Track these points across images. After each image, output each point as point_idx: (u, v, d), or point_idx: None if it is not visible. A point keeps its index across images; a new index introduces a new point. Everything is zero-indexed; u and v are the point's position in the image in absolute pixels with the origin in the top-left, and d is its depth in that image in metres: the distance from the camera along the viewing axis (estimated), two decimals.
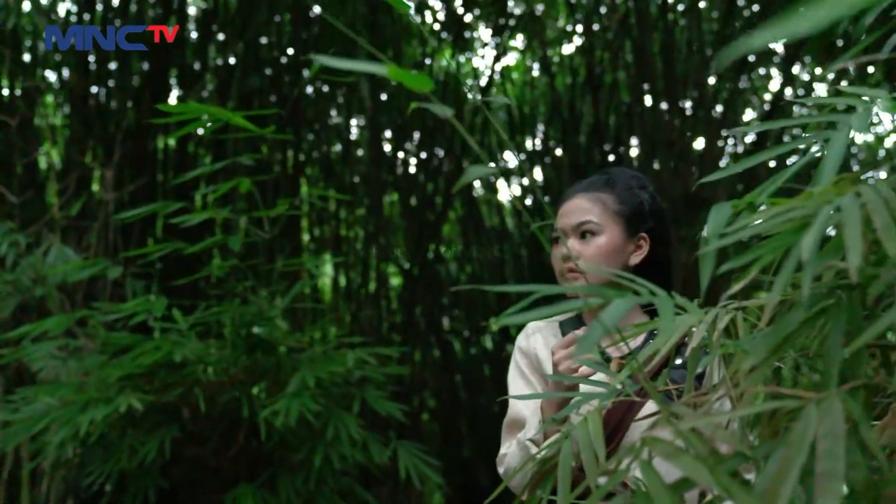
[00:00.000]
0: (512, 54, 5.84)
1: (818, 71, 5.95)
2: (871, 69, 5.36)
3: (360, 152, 5.96)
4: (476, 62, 5.79)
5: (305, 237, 5.23)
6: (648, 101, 4.66)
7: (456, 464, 5.56)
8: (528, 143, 5.77)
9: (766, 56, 5.60)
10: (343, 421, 2.42)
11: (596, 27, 5.05)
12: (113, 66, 4.48)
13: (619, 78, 5.22)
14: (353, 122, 5.84)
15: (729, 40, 4.71)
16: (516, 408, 1.54)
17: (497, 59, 5.25)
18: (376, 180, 5.47)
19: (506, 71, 5.61)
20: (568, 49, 5.55)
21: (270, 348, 2.51)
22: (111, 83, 4.48)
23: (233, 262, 2.53)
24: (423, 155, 5.59)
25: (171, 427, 2.46)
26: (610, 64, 5.16)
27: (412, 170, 5.69)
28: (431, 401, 5.51)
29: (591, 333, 0.46)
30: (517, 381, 1.57)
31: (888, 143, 5.70)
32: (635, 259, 1.49)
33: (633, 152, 5.36)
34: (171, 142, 4.59)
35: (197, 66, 4.85)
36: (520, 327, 1.65)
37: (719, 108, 4.91)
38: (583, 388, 1.38)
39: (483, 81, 5.48)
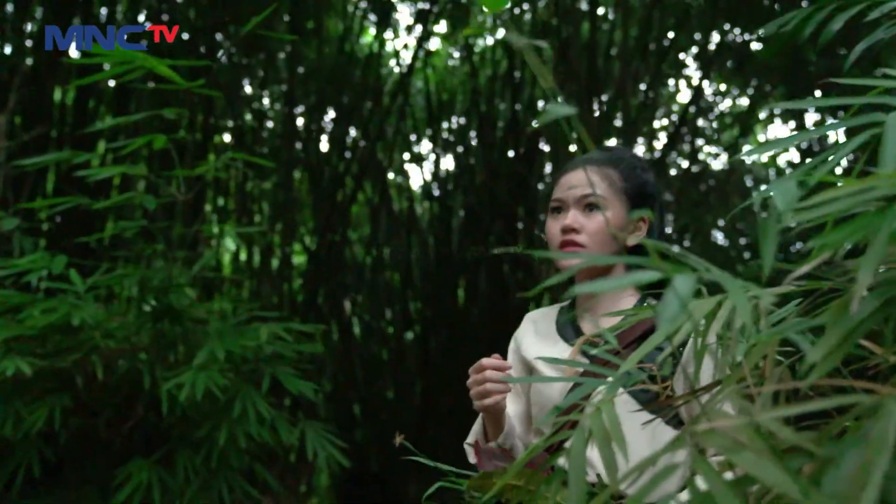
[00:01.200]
0: (435, 40, 5.79)
1: (723, 87, 6.21)
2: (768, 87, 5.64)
3: (270, 125, 5.78)
4: (398, 44, 5.71)
5: (208, 207, 5.02)
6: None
7: (347, 448, 5.50)
8: (444, 133, 5.75)
9: (678, 68, 5.79)
10: (251, 398, 2.32)
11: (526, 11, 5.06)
12: (10, 7, 4.15)
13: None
14: (266, 93, 5.65)
15: (648, 47, 4.84)
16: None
17: (420, 43, 5.19)
18: (287, 155, 5.31)
19: (428, 57, 5.56)
20: (490, 41, 5.56)
21: (178, 317, 2.37)
22: (6, 26, 4.14)
23: (141, 221, 2.36)
24: (337, 133, 5.47)
25: (63, 395, 2.28)
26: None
27: (324, 148, 5.57)
28: (328, 384, 5.41)
29: (668, 306, 0.42)
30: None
31: None
32: (633, 240, 1.43)
33: (546, 149, 5.44)
34: (70, 94, 4.29)
35: (103, 17, 4.56)
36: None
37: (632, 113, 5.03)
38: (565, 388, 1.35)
39: (405, 64, 5.41)
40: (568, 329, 1.45)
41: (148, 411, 2.44)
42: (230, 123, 5.27)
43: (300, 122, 5.49)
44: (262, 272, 5.37)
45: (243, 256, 5.46)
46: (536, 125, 5.01)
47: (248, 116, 5.56)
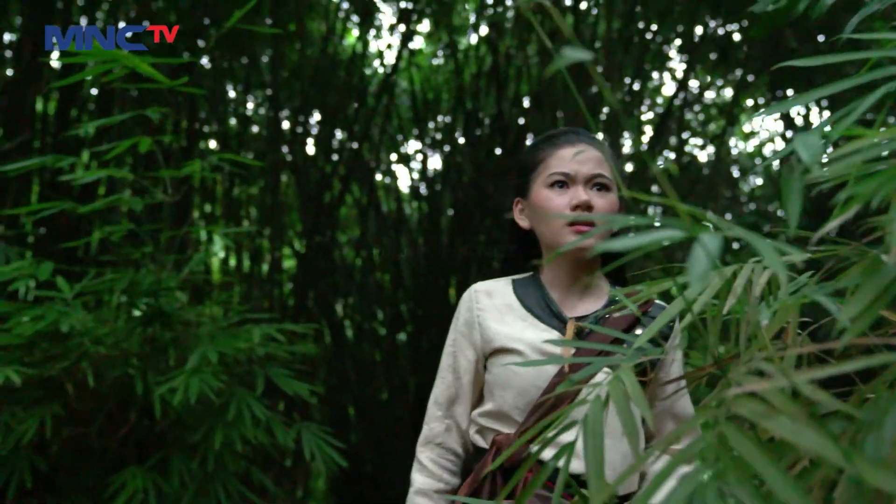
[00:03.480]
0: (419, 39, 5.77)
1: (707, 79, 6.23)
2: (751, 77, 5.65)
3: (255, 129, 5.75)
4: (382, 45, 5.69)
5: (195, 213, 4.98)
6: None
7: (342, 450, 5.45)
8: (430, 132, 5.73)
9: (661, 62, 5.80)
10: (246, 400, 2.29)
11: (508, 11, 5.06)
12: None
13: (523, 71, 5.26)
14: (251, 97, 5.61)
15: (631, 39, 4.84)
16: (436, 388, 1.44)
17: (404, 43, 5.17)
18: (273, 159, 5.28)
19: (412, 56, 5.54)
20: (474, 39, 5.54)
21: (168, 321, 2.34)
22: None
23: (129, 225, 2.33)
24: (323, 136, 5.44)
25: (53, 404, 2.24)
26: (515, 56, 5.19)
27: (310, 150, 5.53)
28: (320, 386, 5.37)
29: (696, 264, 0.40)
30: (446, 351, 1.45)
31: None
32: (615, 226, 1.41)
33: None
34: (53, 102, 4.25)
35: (83, 25, 4.51)
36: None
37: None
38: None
39: (389, 64, 5.38)
40: (541, 308, 1.36)
41: (141, 417, 2.41)
42: (215, 129, 5.24)
43: (285, 125, 5.46)
44: (252, 277, 5.33)
45: (233, 262, 5.41)
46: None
47: (233, 121, 5.52)
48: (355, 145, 5.36)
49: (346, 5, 5.32)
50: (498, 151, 5.27)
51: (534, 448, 1.26)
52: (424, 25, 5.64)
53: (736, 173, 6.74)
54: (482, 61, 5.32)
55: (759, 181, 6.78)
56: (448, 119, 5.70)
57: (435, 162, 5.70)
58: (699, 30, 5.19)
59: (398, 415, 5.27)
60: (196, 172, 2.21)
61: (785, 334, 0.53)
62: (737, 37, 5.24)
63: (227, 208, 5.26)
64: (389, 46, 5.57)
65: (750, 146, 7.01)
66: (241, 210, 5.53)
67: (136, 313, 2.39)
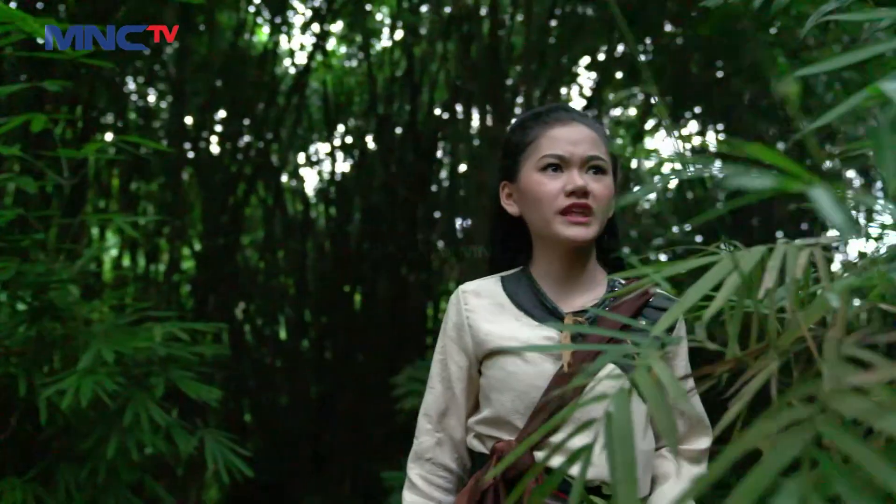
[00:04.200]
0: (333, 40, 5.66)
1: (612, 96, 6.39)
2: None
3: (157, 123, 5.48)
4: (294, 44, 5.54)
5: (89, 209, 4.68)
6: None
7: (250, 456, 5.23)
8: (341, 134, 5.62)
9: (570, 77, 5.90)
10: (145, 405, 2.12)
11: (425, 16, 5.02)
12: None
13: (438, 78, 5.24)
14: (152, 89, 5.35)
15: (544, 52, 4.89)
16: (426, 399, 1.33)
17: (317, 43, 5.05)
18: (175, 154, 5.03)
19: (325, 57, 5.43)
20: (389, 43, 5.48)
21: (60, 316, 2.15)
22: None
23: (17, 210, 2.13)
24: (229, 133, 5.24)
25: None
26: (430, 62, 5.16)
27: (215, 148, 5.32)
28: (217, 392, 5.14)
29: (830, 212, 0.34)
30: (435, 359, 1.33)
31: None
32: (611, 212, 1.29)
33: (446, 149, 5.41)
34: None
35: None
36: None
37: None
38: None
39: (301, 63, 5.24)
40: (534, 305, 1.27)
41: (23, 422, 2.20)
42: (112, 121, 4.96)
43: (189, 120, 5.23)
44: (147, 278, 5.06)
45: (126, 261, 5.12)
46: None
47: (133, 115, 5.25)
48: (262, 145, 5.19)
49: (257, 0, 5.15)
50: (410, 158, 5.22)
51: (539, 454, 1.17)
52: (338, 26, 5.53)
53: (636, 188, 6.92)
54: (396, 65, 5.26)
55: (653, 196, 6.98)
56: (360, 123, 5.61)
57: (345, 166, 5.60)
58: (607, 48, 5.31)
59: (299, 424, 5.11)
60: (94, 154, 2.04)
61: (834, 319, 0.47)
62: (642, 58, 5.39)
63: (123, 204, 4.98)
64: (302, 47, 5.43)
65: (651, 164, 7.22)
66: (139, 207, 5.24)
67: (21, 307, 2.19)
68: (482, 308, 1.28)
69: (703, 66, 5.03)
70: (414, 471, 1.30)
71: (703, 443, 1.26)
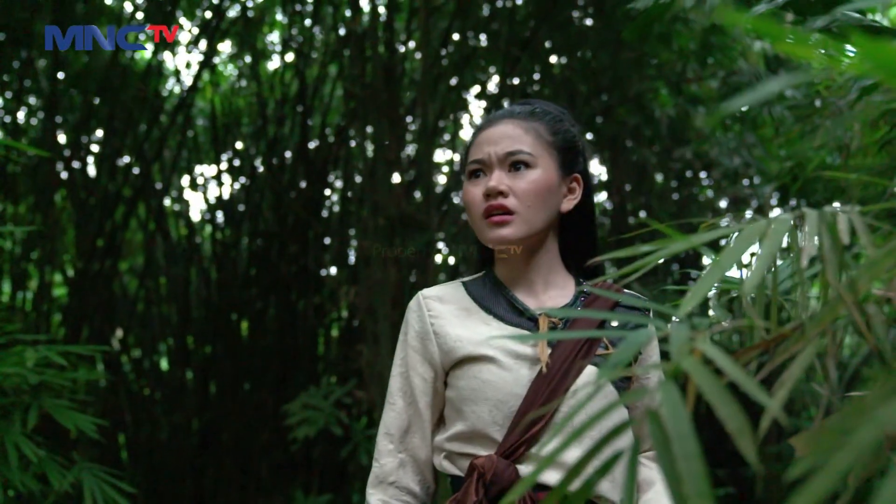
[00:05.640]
0: (220, 59, 5.50)
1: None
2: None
3: (26, 141, 5.13)
4: (180, 62, 5.35)
5: None
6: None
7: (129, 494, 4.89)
8: (229, 156, 5.44)
9: (461, 106, 5.97)
10: (13, 437, 1.93)
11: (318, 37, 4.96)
12: None
13: (332, 99, 5.18)
14: (23, 106, 5.02)
15: (439, 78, 4.93)
16: (385, 417, 1.24)
17: (204, 62, 4.88)
18: (46, 175, 4.72)
19: (212, 75, 5.26)
20: (278, 64, 5.37)
21: None
22: None
23: None
24: (107, 153, 4.96)
25: None
26: (323, 84, 5.10)
27: (91, 169, 5.02)
28: (95, 422, 4.80)
29: None
30: (394, 373, 1.25)
31: None
32: (568, 205, 1.25)
33: (338, 173, 5.33)
34: None
35: None
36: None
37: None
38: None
39: (186, 82, 5.05)
40: (503, 308, 1.22)
41: None
42: None
43: (62, 138, 4.93)
44: (13, 306, 4.69)
45: None
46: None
47: None
48: (143, 166, 4.95)
49: (140, 15, 4.94)
50: (302, 183, 5.11)
51: (523, 468, 1.10)
52: (226, 45, 5.39)
53: None
54: (287, 88, 5.16)
55: None
56: (249, 144, 5.45)
57: (233, 188, 5.41)
58: (497, 79, 5.41)
59: (180, 459, 4.84)
60: None
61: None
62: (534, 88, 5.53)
63: None
64: (189, 65, 5.24)
65: None
66: (5, 229, 4.87)
67: None
68: (448, 313, 1.23)
69: (589, 96, 5.21)
70: (375, 496, 1.21)
71: None
